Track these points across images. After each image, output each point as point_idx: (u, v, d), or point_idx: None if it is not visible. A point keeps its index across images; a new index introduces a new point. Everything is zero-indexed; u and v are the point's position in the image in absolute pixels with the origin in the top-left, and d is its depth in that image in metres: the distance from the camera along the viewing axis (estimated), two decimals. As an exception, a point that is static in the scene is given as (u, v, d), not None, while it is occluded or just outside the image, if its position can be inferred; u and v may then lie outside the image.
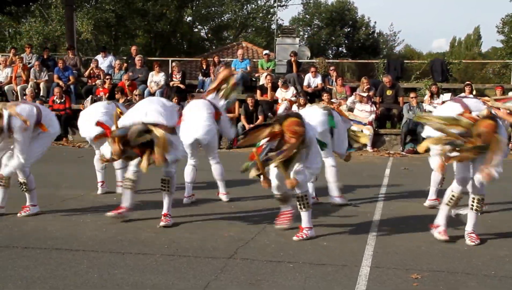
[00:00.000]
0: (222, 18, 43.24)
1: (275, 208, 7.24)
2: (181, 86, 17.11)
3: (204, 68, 17.84)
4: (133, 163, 6.31)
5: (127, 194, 6.42)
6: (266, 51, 19.12)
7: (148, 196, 7.78)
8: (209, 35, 44.44)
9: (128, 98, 15.32)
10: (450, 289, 4.46)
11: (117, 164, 7.71)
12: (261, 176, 5.64)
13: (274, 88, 16.49)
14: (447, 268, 4.96)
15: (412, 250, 5.50)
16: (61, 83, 16.81)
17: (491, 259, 5.24)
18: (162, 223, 6.29)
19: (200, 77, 17.86)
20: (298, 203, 5.88)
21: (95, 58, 18.71)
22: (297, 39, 23.26)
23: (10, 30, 36.60)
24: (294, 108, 15.43)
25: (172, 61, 19.47)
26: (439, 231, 5.91)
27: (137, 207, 7.16)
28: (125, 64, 18.04)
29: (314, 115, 7.06)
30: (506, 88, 16.44)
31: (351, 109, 14.76)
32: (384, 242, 5.75)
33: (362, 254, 5.32)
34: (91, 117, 7.36)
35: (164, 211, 6.38)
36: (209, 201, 7.67)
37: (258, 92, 16.51)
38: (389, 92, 15.81)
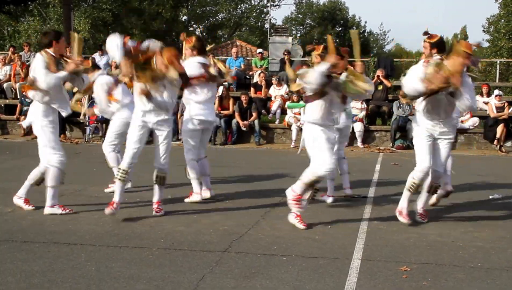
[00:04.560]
0: (217, 17, 43.41)
1: (268, 203, 7.37)
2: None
3: (199, 66, 17.93)
4: (128, 155, 6.40)
5: (119, 186, 6.43)
6: (260, 50, 19.22)
7: (145, 192, 7.89)
8: (204, 34, 44.49)
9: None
10: (438, 280, 4.56)
11: (112, 162, 7.81)
12: None
13: (268, 85, 16.64)
14: (435, 260, 5.07)
15: (401, 243, 5.61)
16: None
17: (477, 251, 5.37)
18: (156, 213, 6.60)
19: (195, 75, 17.94)
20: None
21: (92, 56, 18.77)
22: (290, 38, 23.45)
23: (9, 29, 36.71)
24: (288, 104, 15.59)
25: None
26: (402, 216, 6.32)
27: (134, 202, 7.28)
28: (122, 62, 18.08)
29: None
30: (491, 86, 16.64)
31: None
32: (374, 235, 5.87)
33: (353, 247, 5.42)
34: None
35: (156, 199, 6.68)
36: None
37: (252, 89, 16.63)
38: (379, 87, 16.00)
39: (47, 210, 6.63)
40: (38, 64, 6.43)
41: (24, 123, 6.92)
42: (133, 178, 8.47)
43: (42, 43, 6.70)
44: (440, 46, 6.26)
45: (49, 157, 6.60)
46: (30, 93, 6.57)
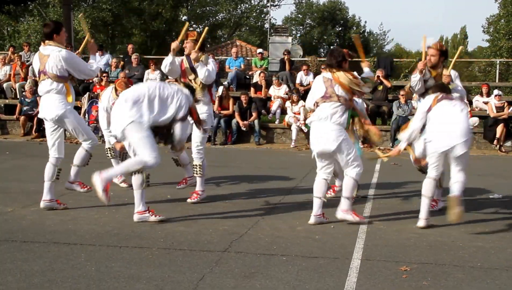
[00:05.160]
0: (217, 17, 43.42)
1: (268, 203, 7.38)
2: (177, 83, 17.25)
3: (199, 66, 17.95)
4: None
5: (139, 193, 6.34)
6: (260, 50, 19.25)
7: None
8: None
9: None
10: (438, 280, 4.56)
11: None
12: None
13: (268, 85, 16.66)
14: (435, 260, 5.08)
15: (401, 243, 5.62)
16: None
17: (477, 251, 5.37)
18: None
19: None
20: None
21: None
22: (290, 38, 23.50)
23: (8, 29, 36.78)
24: (287, 104, 15.60)
25: (167, 59, 19.54)
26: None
27: (133, 201, 7.29)
28: (122, 62, 18.11)
29: None
30: (491, 86, 16.66)
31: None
32: (374, 235, 5.87)
33: (353, 247, 5.43)
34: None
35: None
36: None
37: (252, 89, 16.65)
38: (379, 87, 16.03)
39: (67, 185, 7.13)
40: (72, 58, 6.63)
41: (49, 115, 6.75)
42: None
43: (44, 33, 6.73)
44: (446, 53, 6.63)
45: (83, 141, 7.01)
46: (48, 85, 6.62)
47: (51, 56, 6.54)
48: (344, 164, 6.29)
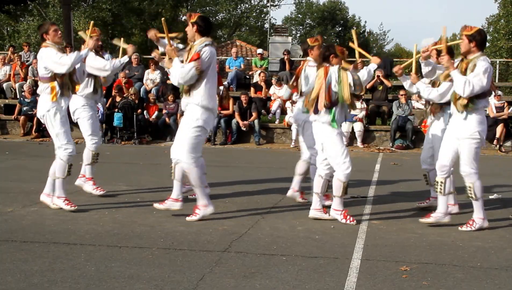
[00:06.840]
0: (217, 17, 43.49)
1: (268, 203, 7.37)
2: (176, 84, 17.24)
3: (199, 66, 17.97)
4: None
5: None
6: (260, 50, 19.27)
7: (145, 192, 7.92)
8: (204, 34, 44.54)
9: (124, 95, 15.40)
10: (438, 280, 4.56)
11: (86, 159, 7.74)
12: None
13: (268, 85, 16.67)
14: (434, 260, 5.08)
15: (401, 243, 5.62)
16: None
17: (477, 251, 5.37)
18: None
19: (195, 75, 18.00)
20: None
21: (92, 55, 18.81)
22: (290, 38, 23.55)
23: (8, 29, 36.82)
24: (288, 104, 15.59)
25: (167, 59, 19.56)
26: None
27: (134, 201, 7.29)
28: (122, 62, 18.12)
29: None
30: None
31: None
32: (374, 235, 5.87)
33: (353, 247, 5.42)
34: None
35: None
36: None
37: (252, 89, 16.65)
38: (379, 87, 16.04)
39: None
40: (43, 53, 6.55)
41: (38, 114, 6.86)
42: (133, 179, 8.50)
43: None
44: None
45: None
46: (40, 86, 6.69)
47: (38, 59, 6.69)
48: (333, 163, 6.31)
